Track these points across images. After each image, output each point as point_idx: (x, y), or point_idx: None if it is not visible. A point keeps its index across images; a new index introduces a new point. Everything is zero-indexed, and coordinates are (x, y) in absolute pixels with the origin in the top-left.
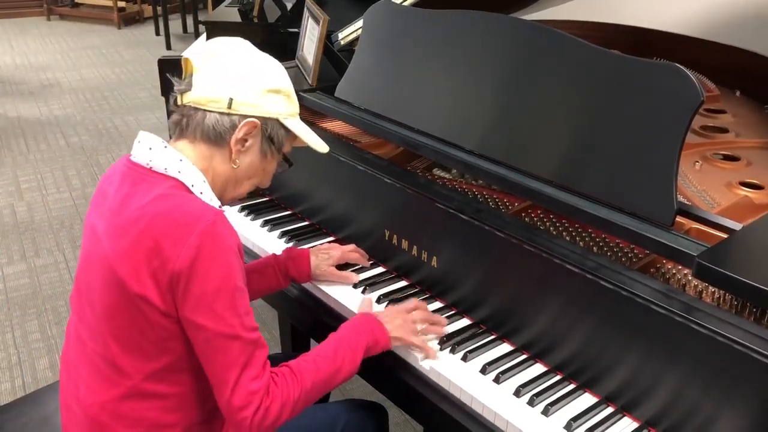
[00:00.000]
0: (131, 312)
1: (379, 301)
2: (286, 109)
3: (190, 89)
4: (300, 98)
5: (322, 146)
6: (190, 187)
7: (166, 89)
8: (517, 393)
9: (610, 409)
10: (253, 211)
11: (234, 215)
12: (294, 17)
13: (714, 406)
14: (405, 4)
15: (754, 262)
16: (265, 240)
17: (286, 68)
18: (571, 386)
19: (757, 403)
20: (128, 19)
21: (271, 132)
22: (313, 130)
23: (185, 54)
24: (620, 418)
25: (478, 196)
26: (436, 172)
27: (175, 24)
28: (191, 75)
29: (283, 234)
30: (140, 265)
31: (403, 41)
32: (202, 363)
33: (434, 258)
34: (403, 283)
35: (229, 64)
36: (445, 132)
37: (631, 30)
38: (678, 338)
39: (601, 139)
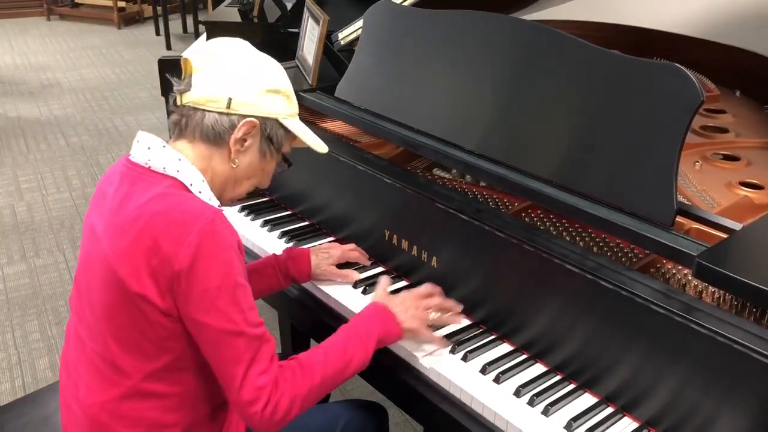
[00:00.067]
0: (131, 311)
1: None
2: (285, 109)
3: (189, 89)
4: (300, 98)
5: (321, 146)
6: (189, 187)
7: (166, 89)
8: (517, 393)
9: (610, 409)
10: (253, 211)
11: (234, 215)
12: (294, 17)
13: (714, 406)
14: (405, 4)
15: (754, 262)
16: (265, 240)
17: (286, 68)
18: (571, 386)
19: (757, 403)
20: (128, 19)
21: (270, 132)
22: (312, 130)
23: (185, 54)
24: (620, 418)
25: (478, 196)
26: (436, 172)
27: (175, 24)
28: (191, 75)
29: (283, 234)
30: (139, 264)
31: (403, 41)
32: (209, 361)
33: (434, 258)
34: (403, 283)
35: (228, 65)
36: (445, 132)
37: (631, 30)
38: (678, 338)
39: (601, 139)
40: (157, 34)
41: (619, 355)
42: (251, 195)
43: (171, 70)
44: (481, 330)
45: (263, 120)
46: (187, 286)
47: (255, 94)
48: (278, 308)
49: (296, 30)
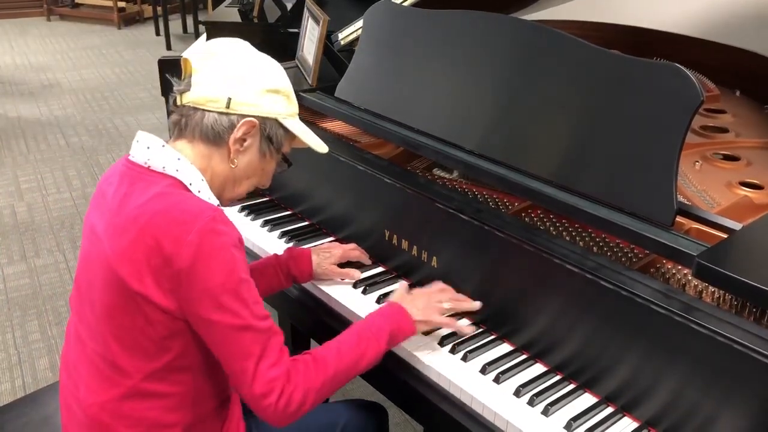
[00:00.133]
0: (132, 311)
1: (379, 300)
2: (285, 109)
3: (189, 89)
4: (300, 98)
5: (321, 146)
6: (188, 186)
7: (166, 89)
8: (517, 393)
9: (610, 409)
10: (253, 211)
11: (234, 215)
12: (294, 17)
13: (714, 406)
14: (405, 4)
15: (754, 262)
16: (265, 240)
17: (286, 68)
18: (571, 386)
19: (757, 403)
20: (128, 20)
21: (269, 132)
22: (313, 130)
23: (185, 54)
24: (620, 418)
25: (478, 196)
26: (436, 172)
27: (175, 24)
28: (190, 75)
29: (283, 234)
30: (140, 263)
31: (403, 41)
32: (218, 357)
33: (434, 258)
34: (403, 283)
35: (228, 65)
36: (445, 132)
37: (631, 30)
38: (678, 338)
39: (601, 139)
40: (157, 34)
41: (619, 355)
42: (251, 195)
43: (171, 70)
44: (481, 330)
45: (263, 120)
46: (189, 284)
47: (255, 94)
48: (278, 308)
49: (296, 30)
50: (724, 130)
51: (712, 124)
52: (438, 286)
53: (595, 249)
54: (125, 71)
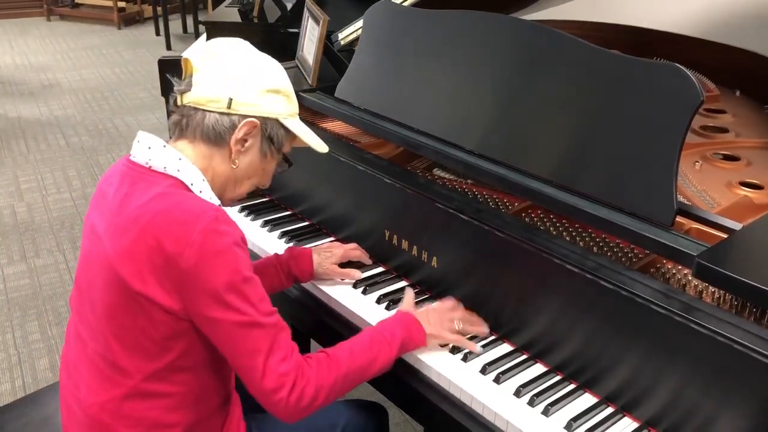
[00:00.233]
0: (133, 311)
1: (379, 301)
2: (285, 109)
3: (189, 89)
4: (300, 98)
5: (321, 146)
6: (190, 186)
7: (166, 89)
8: (518, 393)
9: (610, 409)
10: (253, 211)
11: (234, 215)
12: (294, 17)
13: (714, 406)
14: (405, 4)
15: (754, 262)
16: (265, 240)
17: (286, 68)
18: (571, 386)
19: (757, 403)
20: (128, 20)
21: (270, 132)
22: (313, 130)
23: (185, 54)
24: (620, 418)
25: (478, 196)
26: (436, 172)
27: (175, 24)
28: (191, 75)
29: (283, 234)
30: (142, 263)
31: (403, 41)
32: (227, 357)
33: (434, 258)
34: (403, 283)
35: (228, 65)
36: (445, 132)
37: (631, 30)
38: (678, 338)
39: (601, 139)
40: (157, 34)
41: (619, 355)
42: (251, 195)
43: (171, 70)
44: None
45: (264, 120)
46: (194, 284)
47: (255, 94)
48: (278, 308)
49: (296, 30)
50: (724, 130)
51: (712, 124)
52: (450, 303)
53: (595, 249)
54: (125, 71)
